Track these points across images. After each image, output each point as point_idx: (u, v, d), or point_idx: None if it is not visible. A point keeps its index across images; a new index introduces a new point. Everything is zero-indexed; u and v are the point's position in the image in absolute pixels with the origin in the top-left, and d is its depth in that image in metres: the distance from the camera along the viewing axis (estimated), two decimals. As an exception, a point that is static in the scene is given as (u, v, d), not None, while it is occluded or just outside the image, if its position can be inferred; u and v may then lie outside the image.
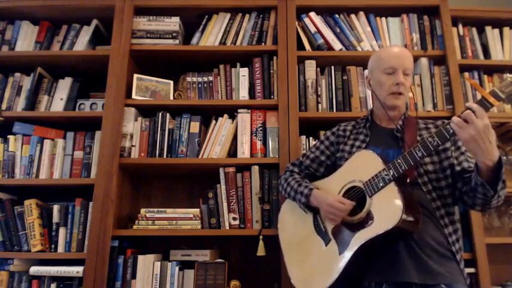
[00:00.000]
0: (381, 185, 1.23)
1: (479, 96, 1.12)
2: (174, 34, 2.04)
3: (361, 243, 1.21)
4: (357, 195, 1.31)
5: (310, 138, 1.91)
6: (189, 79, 2.04)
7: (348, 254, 1.24)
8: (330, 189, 1.39)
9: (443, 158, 1.33)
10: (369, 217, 1.23)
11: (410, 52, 1.44)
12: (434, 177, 1.31)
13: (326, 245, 1.34)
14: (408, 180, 1.25)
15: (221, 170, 1.86)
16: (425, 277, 1.18)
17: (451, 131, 1.13)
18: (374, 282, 1.24)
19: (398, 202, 1.17)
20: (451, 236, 1.27)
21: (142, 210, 1.83)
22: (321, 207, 1.37)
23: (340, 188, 1.36)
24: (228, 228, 1.80)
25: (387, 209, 1.19)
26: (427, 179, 1.30)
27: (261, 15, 2.07)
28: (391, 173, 1.22)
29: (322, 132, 1.91)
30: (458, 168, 1.31)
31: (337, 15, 2.05)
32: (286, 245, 1.50)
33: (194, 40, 2.05)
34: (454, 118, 1.11)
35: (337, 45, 1.98)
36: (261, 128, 1.92)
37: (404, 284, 1.19)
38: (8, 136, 1.92)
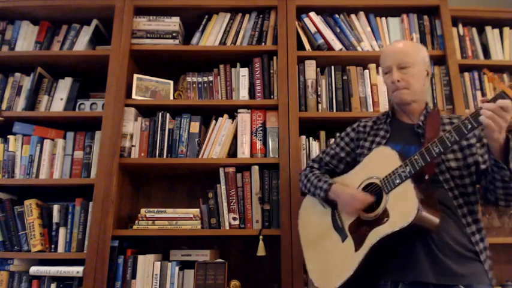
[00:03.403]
0: (398, 181, 1.21)
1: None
2: (174, 34, 2.04)
3: (376, 241, 1.19)
4: (375, 192, 1.29)
5: (310, 138, 1.90)
6: (189, 79, 2.04)
7: (363, 251, 1.22)
8: (349, 185, 1.38)
9: (467, 155, 1.29)
10: (385, 214, 1.21)
11: (409, 46, 1.41)
12: (458, 174, 1.27)
13: (343, 241, 1.32)
14: (427, 177, 1.22)
15: (221, 170, 1.86)
16: (442, 278, 1.15)
17: (469, 126, 1.10)
18: (390, 281, 1.23)
19: (414, 199, 1.14)
20: (474, 235, 1.23)
21: (142, 210, 1.83)
22: (339, 201, 1.36)
23: (359, 185, 1.35)
24: (228, 228, 1.80)
25: (403, 207, 1.17)
26: (449, 176, 1.26)
27: (261, 15, 2.07)
28: (408, 170, 1.19)
29: (322, 132, 1.91)
30: (483, 166, 1.27)
31: (337, 15, 2.05)
32: (306, 241, 1.50)
33: (194, 40, 2.05)
34: (487, 104, 1.06)
35: (337, 45, 1.98)
36: (261, 128, 1.92)
37: (421, 284, 1.17)
38: (8, 136, 1.92)
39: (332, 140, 1.90)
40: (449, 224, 1.22)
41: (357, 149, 1.49)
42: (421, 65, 1.38)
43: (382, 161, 1.29)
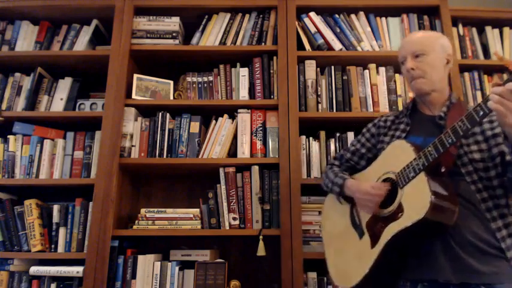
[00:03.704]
0: (412, 175, 1.16)
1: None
2: (174, 34, 2.04)
3: (391, 237, 1.15)
4: (392, 187, 1.25)
5: (310, 138, 1.90)
6: (189, 79, 2.04)
7: (378, 248, 1.19)
8: (367, 181, 1.35)
9: (492, 145, 1.20)
10: (400, 209, 1.17)
11: (425, 35, 1.37)
12: (482, 166, 1.19)
13: (360, 238, 1.30)
14: (443, 170, 1.16)
15: (221, 170, 1.86)
16: (463, 276, 1.10)
17: (481, 113, 1.04)
18: (409, 280, 1.20)
19: (427, 193, 1.09)
20: (500, 230, 1.15)
21: (142, 210, 1.83)
22: (355, 197, 1.33)
23: (376, 180, 1.32)
24: (228, 228, 1.80)
25: (416, 201, 1.13)
26: (473, 168, 1.19)
27: (261, 15, 2.07)
28: (421, 162, 1.15)
29: (322, 132, 1.91)
30: (509, 157, 1.18)
31: (337, 15, 2.05)
32: (327, 238, 1.49)
33: (194, 40, 2.05)
34: (495, 88, 1.01)
35: (337, 45, 1.98)
36: (261, 128, 1.92)
37: (440, 283, 1.13)
38: (8, 136, 1.92)
39: (332, 140, 1.90)
40: (470, 219, 1.16)
41: (378, 145, 1.45)
42: (438, 53, 1.33)
43: (397, 155, 1.26)
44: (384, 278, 1.25)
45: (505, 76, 1.04)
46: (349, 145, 1.57)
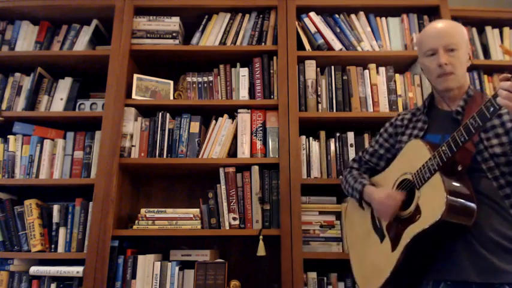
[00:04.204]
0: (427, 175, 1.14)
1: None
2: (174, 34, 2.04)
3: (410, 239, 1.14)
4: (409, 188, 1.24)
5: (310, 138, 1.90)
6: (189, 79, 2.04)
7: (398, 251, 1.17)
8: (386, 184, 1.34)
9: None
10: (417, 211, 1.15)
11: (454, 27, 1.29)
12: (504, 160, 1.15)
13: (381, 242, 1.28)
14: (460, 168, 1.12)
15: (221, 170, 1.86)
16: (485, 275, 1.07)
17: (491, 108, 1.00)
18: (432, 281, 1.17)
19: (443, 194, 1.06)
20: None
21: (142, 210, 1.83)
22: (373, 204, 1.32)
23: (394, 182, 1.30)
24: (228, 228, 1.80)
25: (433, 202, 1.11)
26: (494, 164, 1.15)
27: (261, 15, 2.07)
28: (436, 162, 1.12)
29: (322, 132, 1.91)
30: None
31: (337, 15, 2.05)
32: (350, 242, 1.49)
33: (194, 40, 2.05)
34: (503, 83, 0.97)
35: (337, 45, 1.98)
36: (261, 128, 1.92)
37: (463, 283, 1.10)
38: (8, 136, 1.92)
39: (332, 140, 1.90)
40: (492, 216, 1.12)
41: (396, 144, 1.42)
42: (465, 48, 1.27)
43: (413, 155, 1.23)
44: (405, 279, 1.23)
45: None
46: (367, 147, 1.55)
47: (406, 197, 1.24)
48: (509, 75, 0.98)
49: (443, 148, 1.12)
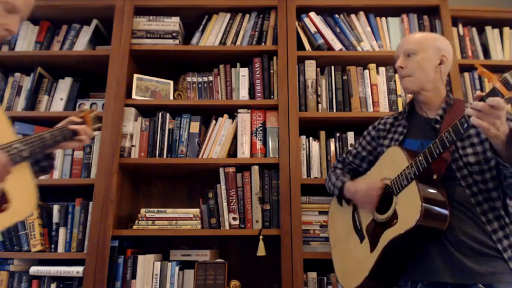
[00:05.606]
0: (405, 183, 1.21)
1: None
2: (174, 34, 2.04)
3: (386, 243, 1.21)
4: (389, 194, 1.29)
5: (310, 138, 1.90)
6: (189, 79, 2.04)
7: (377, 253, 1.24)
8: None
9: (487, 148, 1.20)
10: (395, 216, 1.22)
11: (418, 36, 1.37)
12: (477, 169, 1.20)
13: (361, 242, 1.35)
14: (435, 177, 1.19)
15: (221, 170, 1.86)
16: (459, 277, 1.13)
17: (465, 125, 1.05)
18: (410, 281, 1.23)
19: (418, 202, 1.14)
20: (496, 232, 1.16)
21: (142, 210, 1.83)
22: (354, 198, 1.39)
23: None
24: (228, 228, 1.80)
25: (408, 209, 1.18)
26: (467, 172, 1.20)
27: (261, 15, 2.07)
28: (413, 171, 1.18)
29: (322, 132, 1.92)
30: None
31: (337, 15, 2.05)
32: (333, 241, 1.54)
33: (194, 40, 2.05)
34: (475, 103, 1.00)
35: (337, 45, 1.98)
36: (261, 128, 1.92)
37: (438, 284, 1.16)
38: (8, 136, 1.92)
39: (332, 140, 1.90)
40: (465, 221, 1.18)
41: (378, 148, 1.47)
42: (429, 54, 1.32)
43: (393, 161, 1.29)
44: (384, 278, 1.29)
45: (493, 82, 1.02)
46: (350, 148, 1.60)
47: (385, 200, 1.29)
48: (482, 94, 1.02)
49: (420, 158, 1.18)
